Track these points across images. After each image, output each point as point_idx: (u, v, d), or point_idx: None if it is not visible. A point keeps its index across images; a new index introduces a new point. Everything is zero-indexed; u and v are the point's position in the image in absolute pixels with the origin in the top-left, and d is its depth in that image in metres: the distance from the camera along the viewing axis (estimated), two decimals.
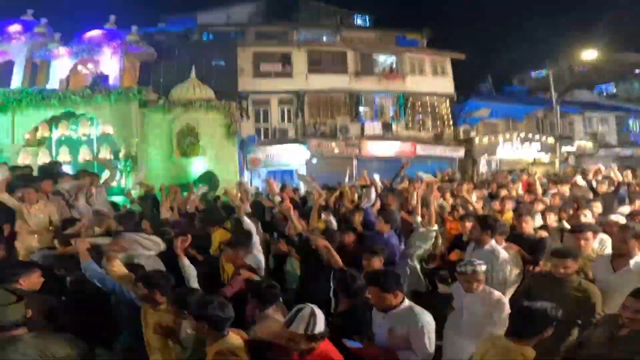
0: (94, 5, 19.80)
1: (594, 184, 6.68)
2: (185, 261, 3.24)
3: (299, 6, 21.47)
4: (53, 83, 11.22)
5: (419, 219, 4.74)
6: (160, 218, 5.38)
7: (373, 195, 5.62)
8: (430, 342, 2.48)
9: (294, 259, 4.53)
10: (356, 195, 6.59)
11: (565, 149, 17.56)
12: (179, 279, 3.16)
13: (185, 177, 10.63)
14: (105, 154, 10.59)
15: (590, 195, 6.09)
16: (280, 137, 16.56)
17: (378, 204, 5.75)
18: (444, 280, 4.33)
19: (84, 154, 10.69)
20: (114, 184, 9.77)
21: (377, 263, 3.41)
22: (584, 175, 7.76)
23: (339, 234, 4.21)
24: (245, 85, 16.13)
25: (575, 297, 2.82)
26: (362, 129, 17.21)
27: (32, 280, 2.84)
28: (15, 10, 12.13)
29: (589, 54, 17.45)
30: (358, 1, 26.15)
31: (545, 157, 17.06)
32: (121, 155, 10.53)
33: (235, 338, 2.35)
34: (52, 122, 10.99)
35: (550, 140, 17.14)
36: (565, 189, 7.11)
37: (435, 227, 4.73)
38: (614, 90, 27.07)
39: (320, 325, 2.15)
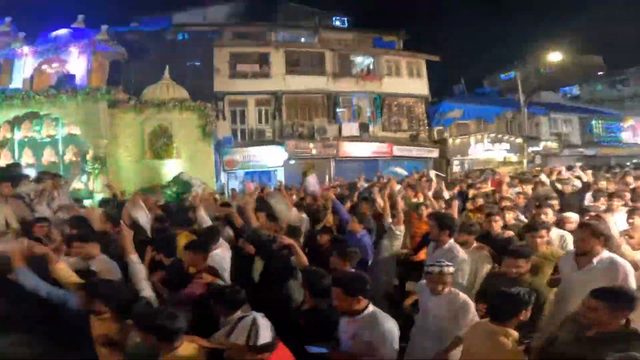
0: (64, 4, 18.96)
1: (559, 185, 6.81)
2: (133, 259, 2.92)
3: (277, 7, 21.24)
4: (16, 83, 10.65)
5: (389, 219, 4.76)
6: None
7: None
8: (393, 349, 2.39)
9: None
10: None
11: (532, 149, 18.11)
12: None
13: (158, 179, 10.27)
14: (71, 155, 10.08)
15: (554, 195, 6.21)
16: (258, 139, 16.27)
17: (349, 204, 5.71)
18: (413, 280, 4.30)
19: (49, 156, 10.15)
20: (81, 186, 9.33)
21: (347, 264, 3.33)
22: (548, 174, 7.93)
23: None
24: (221, 85, 15.78)
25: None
26: (340, 130, 17.17)
27: None
28: None
29: (555, 57, 18.05)
30: (336, 3, 26.21)
31: (513, 157, 17.54)
32: (88, 156, 10.05)
33: (188, 348, 2.17)
34: (15, 122, 10.38)
35: (519, 140, 17.63)
36: (529, 189, 7.24)
37: (402, 227, 4.75)
38: (578, 92, 28.26)
39: (264, 336, 1.96)
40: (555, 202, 5.20)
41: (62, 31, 11.45)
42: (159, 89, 11.53)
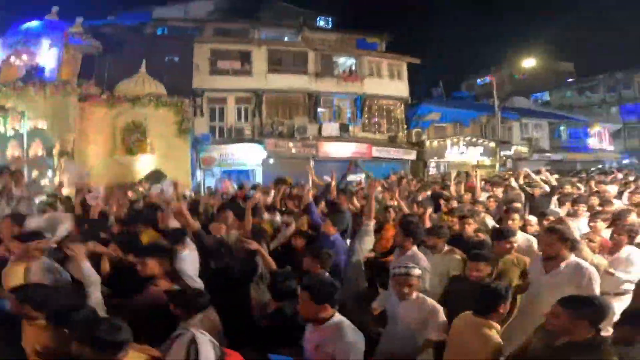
0: None
1: (528, 188, 6.92)
2: (84, 265, 2.80)
3: (261, 5, 20.96)
4: None
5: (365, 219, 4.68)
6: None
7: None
8: None
9: None
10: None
11: (504, 153, 18.54)
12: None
13: (130, 175, 9.93)
14: (36, 150, 9.61)
15: (522, 198, 6.30)
16: (236, 137, 15.99)
17: (322, 205, 5.61)
18: (384, 285, 4.24)
19: (13, 150, 9.64)
20: (46, 182, 8.91)
21: (320, 266, 3.24)
22: (517, 179, 8.07)
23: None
24: (200, 82, 15.43)
25: None
26: (320, 130, 17.10)
27: None
28: None
29: (528, 63, 18.53)
30: (322, 3, 26.17)
31: (487, 161, 17.92)
32: (55, 151, 9.61)
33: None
34: None
35: (492, 144, 18.02)
36: (499, 192, 7.34)
37: (373, 221, 4.66)
38: (548, 98, 29.15)
39: (206, 352, 1.81)
40: (519, 206, 5.22)
41: (34, 23, 10.94)
42: (134, 83, 11.16)
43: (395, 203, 5.89)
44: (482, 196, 6.68)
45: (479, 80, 27.65)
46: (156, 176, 10.01)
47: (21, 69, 10.42)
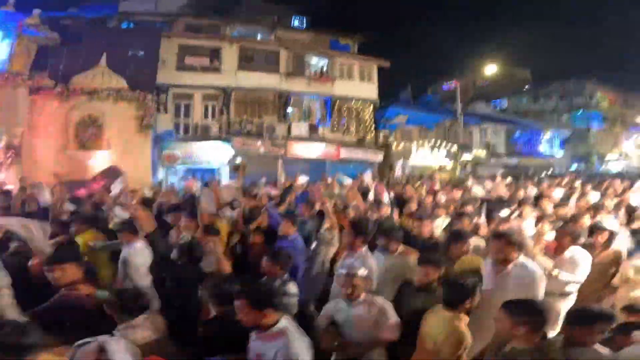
0: None
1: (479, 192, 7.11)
2: None
3: (236, 2, 20.55)
4: None
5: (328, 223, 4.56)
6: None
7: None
8: None
9: None
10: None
11: (465, 156, 19.21)
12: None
13: (84, 171, 9.44)
14: None
15: (478, 202, 6.49)
16: (202, 134, 15.55)
17: (284, 205, 5.54)
18: None
19: None
20: None
21: (279, 268, 3.14)
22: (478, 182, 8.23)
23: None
24: (166, 77, 14.87)
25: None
26: (289, 130, 16.98)
27: None
28: None
29: (489, 69, 19.30)
30: (297, 2, 26.00)
31: (449, 164, 18.48)
32: (1, 145, 9.00)
33: None
34: None
35: (454, 148, 18.61)
36: (457, 195, 7.56)
37: (336, 231, 4.52)
38: (506, 105, 30.53)
39: None
40: (470, 209, 5.31)
41: None
42: (92, 76, 10.62)
43: (355, 203, 5.95)
44: (442, 199, 6.81)
45: (444, 85, 28.50)
46: (112, 173, 9.59)
47: None
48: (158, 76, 14.34)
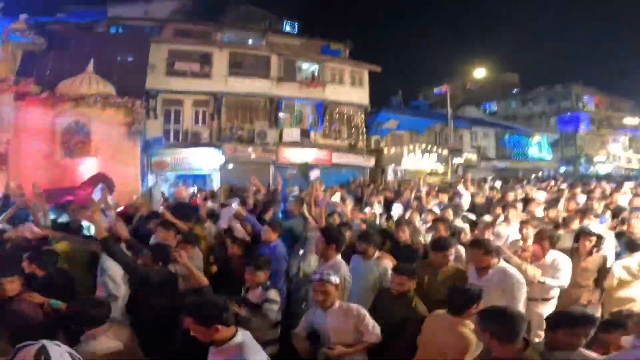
0: None
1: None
2: None
3: (226, 7, 20.59)
4: None
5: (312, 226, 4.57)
6: None
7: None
8: None
9: None
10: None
11: (456, 160, 19.43)
12: None
13: (71, 179, 9.30)
14: None
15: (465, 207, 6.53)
16: (193, 140, 15.45)
17: (270, 213, 5.48)
18: None
19: None
20: None
21: (263, 276, 3.15)
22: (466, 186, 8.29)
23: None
24: (155, 83, 14.80)
25: (407, 315, 2.83)
26: (280, 135, 16.99)
27: None
28: None
29: (479, 73, 19.59)
30: (288, 7, 26.19)
31: (440, 168, 18.67)
32: None
33: None
34: None
35: (445, 152, 18.81)
36: (444, 198, 7.62)
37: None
38: (495, 108, 31.07)
39: None
40: (448, 216, 5.25)
41: None
42: (79, 82, 10.48)
43: (340, 209, 5.96)
44: (430, 203, 6.85)
45: (435, 90, 28.89)
46: (100, 180, 9.46)
47: None
48: (147, 82, 14.25)
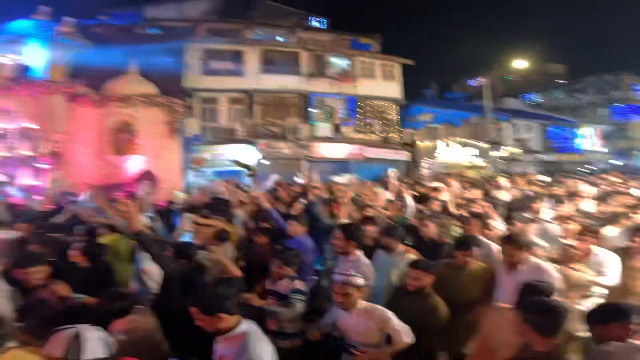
0: None
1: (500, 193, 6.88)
2: None
3: (255, 5, 20.94)
4: None
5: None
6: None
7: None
8: None
9: None
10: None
11: (496, 153, 18.70)
12: None
13: (118, 175, 9.85)
14: (25, 150, 9.51)
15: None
16: (228, 137, 15.89)
17: (298, 207, 5.47)
18: None
19: (1, 150, 9.53)
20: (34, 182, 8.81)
21: (290, 271, 3.20)
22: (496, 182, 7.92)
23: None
24: (192, 82, 15.35)
25: (424, 310, 2.78)
26: (313, 131, 17.10)
27: None
28: None
29: (520, 64, 18.73)
30: (315, 4, 26.23)
31: (479, 162, 18.05)
32: (43, 151, 9.51)
33: (19, 357, 1.93)
34: None
35: (484, 145, 18.16)
36: (478, 194, 7.35)
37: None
38: (539, 100, 29.53)
39: (93, 351, 1.73)
40: (479, 211, 4.89)
41: (23, 23, 10.85)
42: (123, 83, 11.08)
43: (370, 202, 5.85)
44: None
45: (471, 82, 27.90)
46: (145, 176, 9.95)
47: (10, 69, 10.32)
48: (185, 81, 14.79)
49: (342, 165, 16.24)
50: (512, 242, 3.10)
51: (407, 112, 19.27)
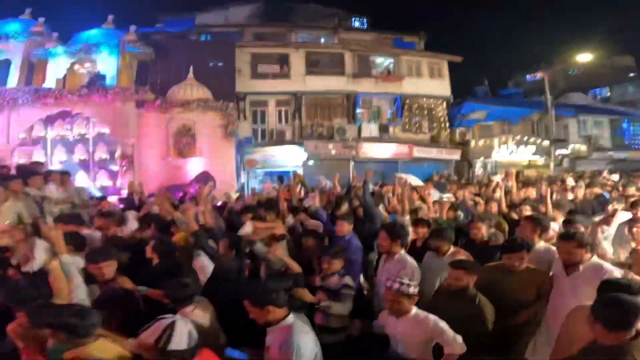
0: (92, 5, 19.75)
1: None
2: (62, 259, 2.68)
3: (296, 8, 21.40)
4: (49, 82, 11.10)
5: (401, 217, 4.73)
6: None
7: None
8: None
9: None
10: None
11: (560, 151, 17.56)
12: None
13: (181, 177, 10.54)
14: (101, 154, 10.47)
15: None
16: (278, 139, 16.40)
17: (345, 207, 5.44)
18: None
19: (79, 154, 10.57)
20: (109, 183, 9.65)
21: (339, 265, 3.29)
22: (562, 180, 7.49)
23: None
24: (243, 86, 16.00)
25: (468, 312, 2.73)
26: (359, 131, 17.13)
27: None
28: (14, 10, 12.05)
29: (584, 58, 17.50)
30: (356, 4, 26.25)
31: (540, 160, 17.06)
32: (117, 155, 10.41)
33: (104, 348, 2.02)
34: (48, 121, 10.86)
35: (545, 143, 17.13)
36: (532, 192, 7.01)
37: (407, 216, 4.68)
38: (608, 94, 27.22)
39: (178, 342, 1.86)
40: (529, 213, 4.70)
41: (93, 32, 11.90)
42: (184, 89, 11.83)
43: (419, 203, 5.79)
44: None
45: (528, 77, 26.38)
46: (204, 177, 10.54)
47: (84, 77, 11.42)
48: (236, 85, 15.46)
49: (389, 166, 16.11)
50: (571, 239, 2.92)
51: (458, 110, 18.67)
